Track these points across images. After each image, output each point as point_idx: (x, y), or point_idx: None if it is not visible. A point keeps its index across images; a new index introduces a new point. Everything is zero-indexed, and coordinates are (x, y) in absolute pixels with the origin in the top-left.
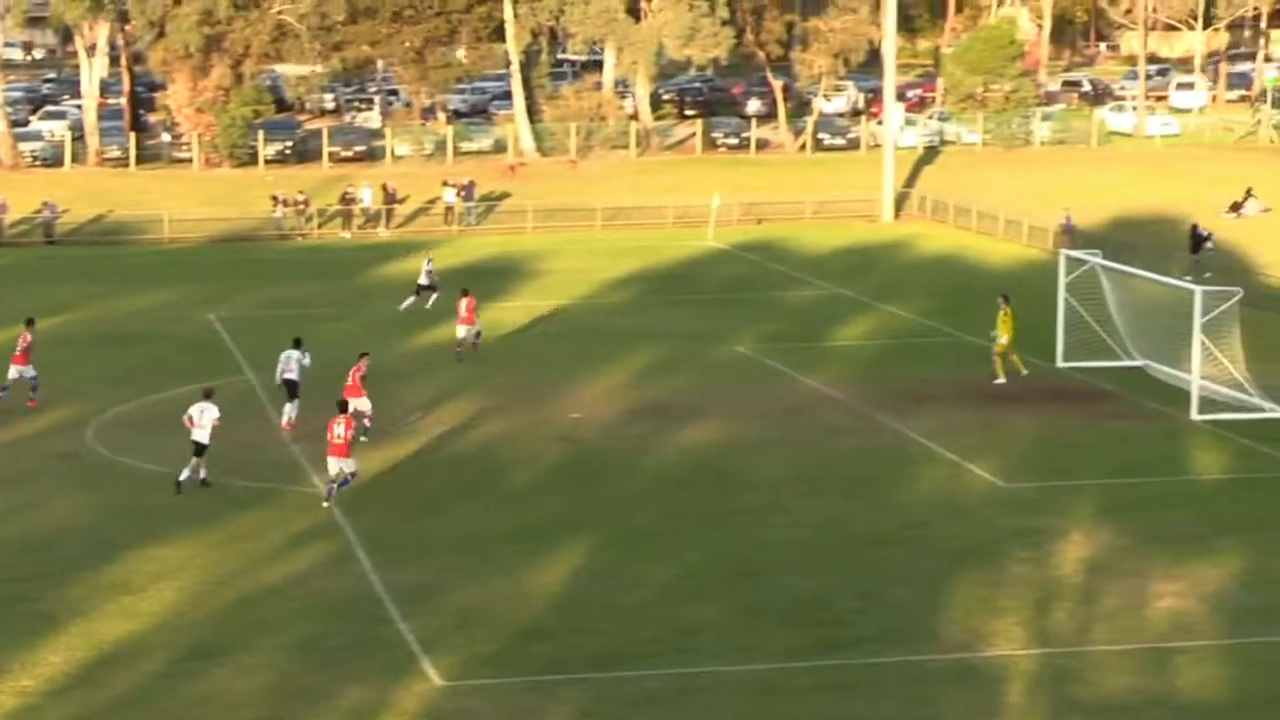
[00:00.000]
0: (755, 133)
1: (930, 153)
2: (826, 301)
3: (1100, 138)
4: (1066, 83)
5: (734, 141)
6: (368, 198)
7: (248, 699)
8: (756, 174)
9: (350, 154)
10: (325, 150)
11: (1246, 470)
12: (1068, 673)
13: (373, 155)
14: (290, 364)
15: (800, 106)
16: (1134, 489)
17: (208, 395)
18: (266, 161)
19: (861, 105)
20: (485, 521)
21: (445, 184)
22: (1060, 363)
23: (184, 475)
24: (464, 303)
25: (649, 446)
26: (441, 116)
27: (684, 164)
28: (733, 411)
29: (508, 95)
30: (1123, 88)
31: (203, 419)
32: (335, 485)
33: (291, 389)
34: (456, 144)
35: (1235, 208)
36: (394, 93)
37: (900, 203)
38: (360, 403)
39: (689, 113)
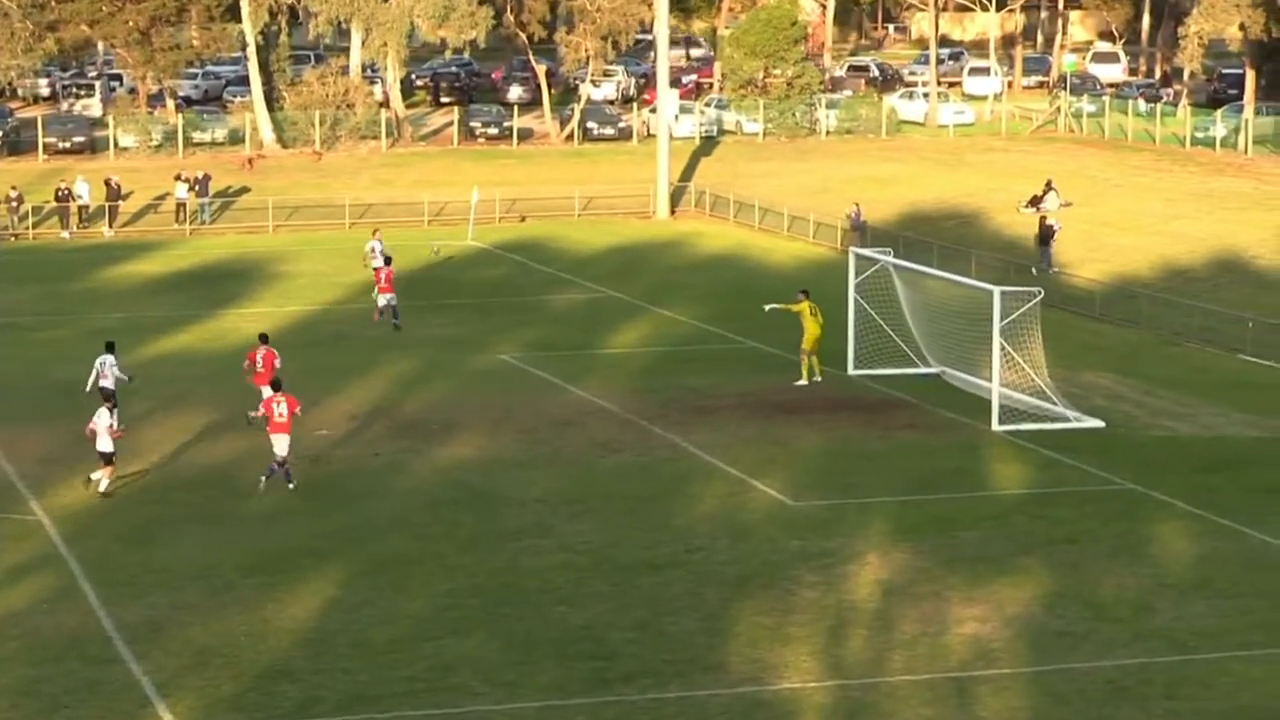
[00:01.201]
0: (517, 122)
1: (708, 143)
2: (597, 305)
3: (890, 127)
4: (853, 68)
5: (494, 131)
6: (86, 193)
7: None
8: (519, 167)
9: (68, 145)
10: (40, 141)
11: (1047, 484)
12: (863, 706)
13: (94, 147)
14: (105, 369)
15: (566, 93)
16: (930, 506)
17: (107, 399)
18: None
19: (633, 92)
20: (222, 550)
21: (176, 178)
22: (851, 370)
23: (96, 476)
24: (384, 272)
25: (403, 465)
26: (170, 104)
27: (439, 156)
28: (495, 425)
29: (244, 81)
30: (913, 73)
31: (99, 424)
32: (279, 466)
33: (108, 397)
34: (188, 134)
35: (1034, 202)
36: (117, 78)
37: (676, 198)
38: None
39: (445, 100)
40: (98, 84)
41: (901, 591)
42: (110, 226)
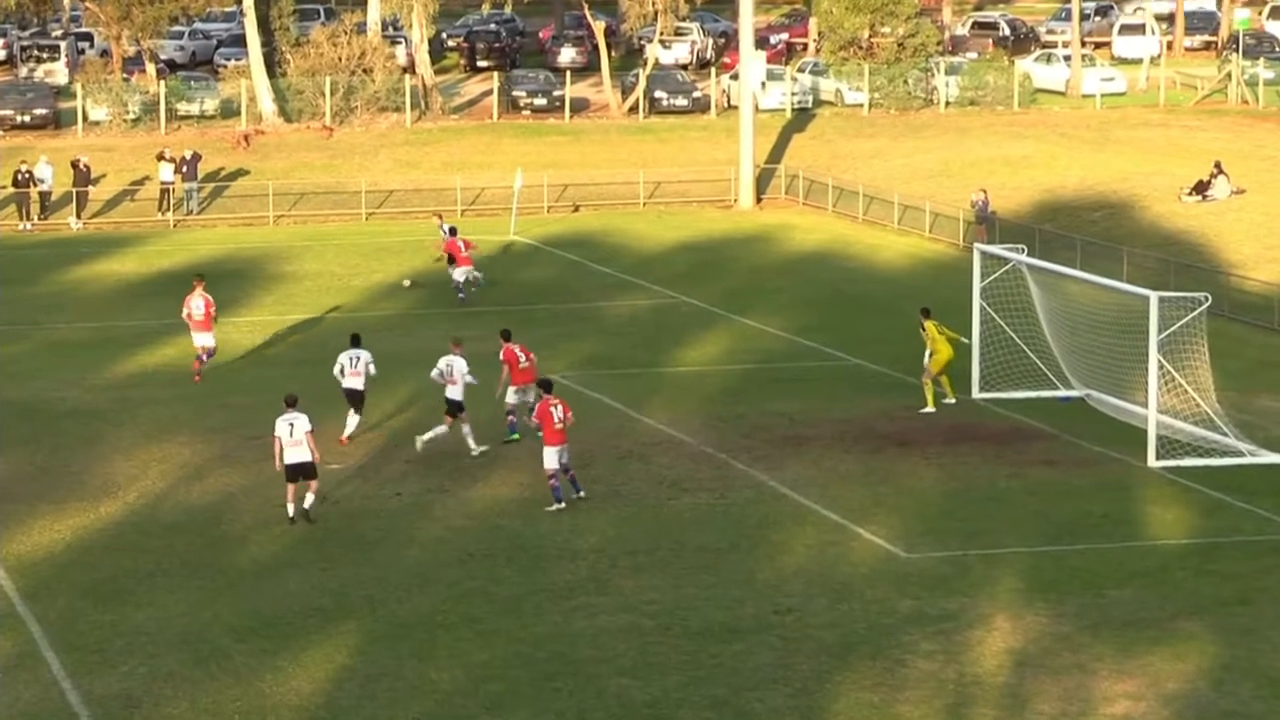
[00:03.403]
0: (570, 91)
1: (801, 117)
2: (665, 313)
3: (1023, 97)
4: (978, 25)
5: (542, 102)
6: (49, 177)
7: None
8: (572, 145)
9: (28, 119)
10: None
11: (1215, 532)
12: None
13: (58, 121)
14: (357, 366)
15: (629, 56)
16: (1072, 558)
17: (291, 404)
18: None
19: (710, 54)
20: (211, 610)
21: (159, 158)
22: (976, 393)
23: (309, 505)
24: (460, 242)
25: (429, 508)
26: (150, 69)
27: (475, 132)
28: (541, 459)
29: (239, 41)
30: (1051, 31)
31: (295, 433)
32: (570, 471)
33: (355, 399)
34: (171, 106)
35: (1200, 188)
36: (86, 37)
37: (762, 183)
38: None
39: (482, 64)
40: (63, 45)
41: (1037, 663)
42: (78, 217)
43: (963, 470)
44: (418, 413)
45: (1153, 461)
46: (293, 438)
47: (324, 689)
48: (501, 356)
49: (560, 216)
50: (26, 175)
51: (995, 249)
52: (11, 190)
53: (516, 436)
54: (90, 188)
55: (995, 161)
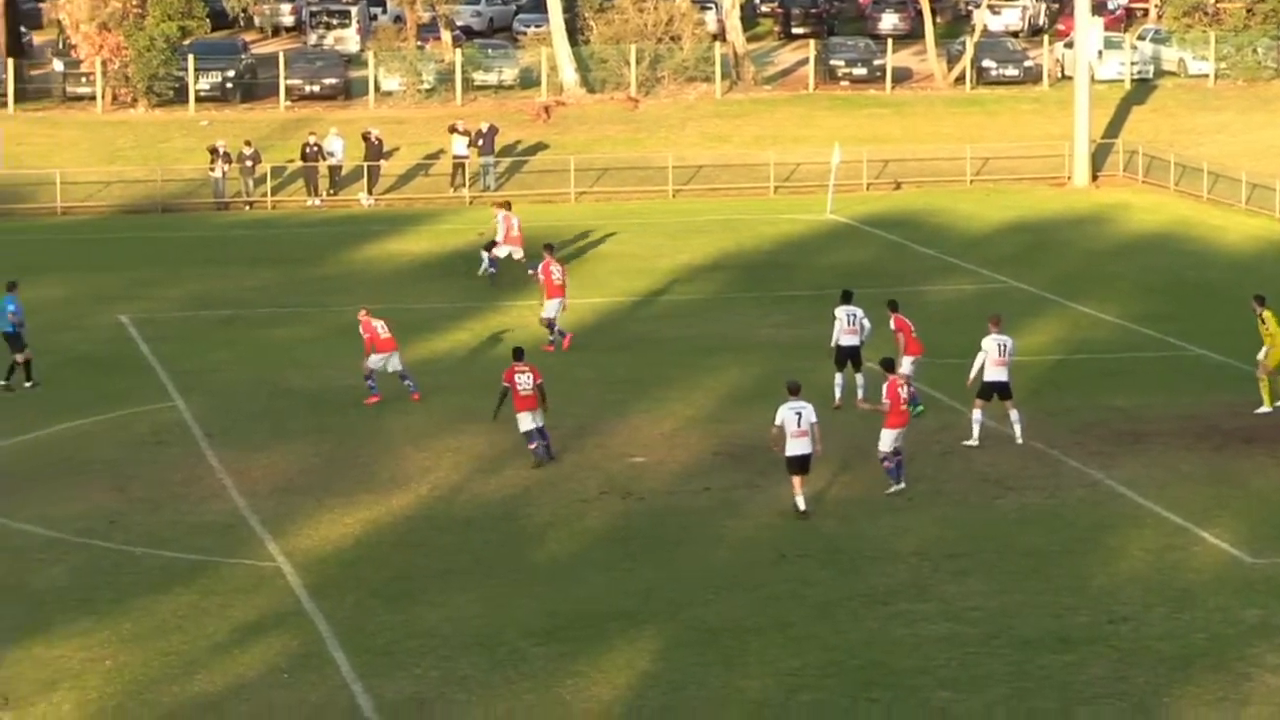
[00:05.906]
0: (892, 59)
1: (1141, 89)
2: (992, 298)
3: None
4: None
5: (861, 72)
6: (340, 151)
7: None
8: (893, 118)
9: (317, 89)
10: (282, 84)
11: None
12: None
13: (349, 91)
14: (854, 323)
15: (956, 22)
16: None
17: (795, 391)
18: (199, 99)
19: (1043, 20)
20: (507, 610)
21: (453, 131)
22: None
23: (798, 503)
24: (515, 221)
25: (738, 505)
26: (446, 37)
27: (789, 104)
28: (856, 455)
29: (540, 7)
30: None
31: (801, 423)
32: (897, 458)
33: (854, 358)
34: (468, 75)
35: None
36: (379, 3)
37: (1099, 159)
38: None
39: (797, 31)
40: (354, 11)
41: None
42: (369, 193)
43: None
44: (726, 407)
45: None
46: (799, 427)
47: (625, 696)
48: (893, 326)
49: (880, 194)
50: (315, 149)
51: None
52: (300, 164)
53: (921, 408)
54: (382, 162)
55: None
